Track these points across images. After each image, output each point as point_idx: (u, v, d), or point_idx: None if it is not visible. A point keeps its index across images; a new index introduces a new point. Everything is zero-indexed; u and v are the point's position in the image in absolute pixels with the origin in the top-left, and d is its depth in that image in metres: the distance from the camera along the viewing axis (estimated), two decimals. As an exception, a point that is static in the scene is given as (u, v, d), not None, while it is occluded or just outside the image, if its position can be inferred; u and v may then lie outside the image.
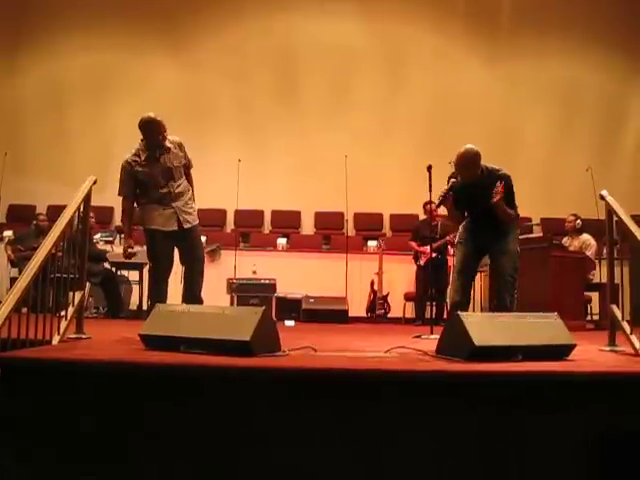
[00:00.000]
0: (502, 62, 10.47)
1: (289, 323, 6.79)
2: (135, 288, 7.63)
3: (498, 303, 4.43)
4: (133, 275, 7.61)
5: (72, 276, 3.47)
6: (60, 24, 10.23)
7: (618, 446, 2.44)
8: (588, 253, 7.17)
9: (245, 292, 7.86)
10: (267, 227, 10.25)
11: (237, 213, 9.85)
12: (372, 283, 8.35)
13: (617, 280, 3.67)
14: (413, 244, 7.76)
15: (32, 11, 10.20)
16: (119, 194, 4.42)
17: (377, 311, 8.23)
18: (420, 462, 2.40)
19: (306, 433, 2.39)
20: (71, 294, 3.44)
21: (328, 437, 2.39)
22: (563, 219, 7.76)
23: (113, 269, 7.39)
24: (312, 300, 7.80)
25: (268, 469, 2.37)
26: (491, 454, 2.42)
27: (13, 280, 6.62)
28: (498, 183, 4.21)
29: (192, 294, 4.38)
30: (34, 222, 7.70)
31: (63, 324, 3.26)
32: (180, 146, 4.45)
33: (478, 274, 6.58)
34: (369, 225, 10.12)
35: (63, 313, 3.33)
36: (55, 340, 3.11)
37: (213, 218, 9.64)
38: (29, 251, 6.61)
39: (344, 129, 10.07)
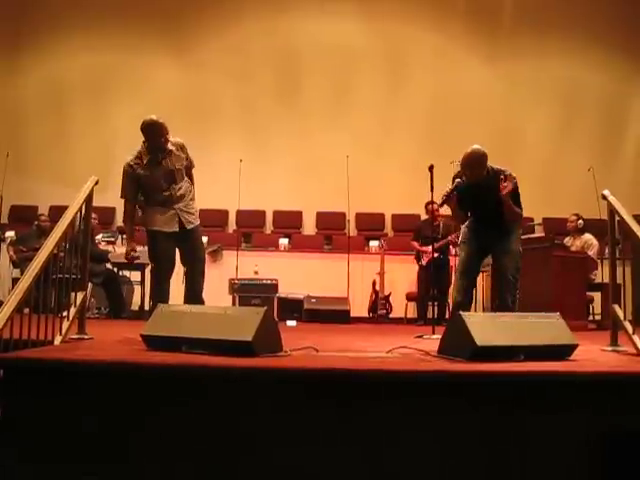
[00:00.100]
0: (503, 62, 10.47)
1: (291, 323, 6.79)
2: (137, 288, 7.63)
3: (500, 303, 4.44)
4: (135, 276, 7.62)
5: (74, 276, 3.48)
6: (61, 24, 10.25)
7: (620, 446, 2.44)
8: (590, 253, 7.16)
9: (247, 292, 7.86)
10: (269, 227, 10.26)
11: (239, 213, 9.85)
12: (374, 283, 8.35)
13: (619, 280, 3.66)
14: (415, 244, 7.76)
15: (33, 11, 10.22)
16: (121, 197, 4.42)
17: (379, 311, 8.23)
18: (422, 462, 2.40)
19: (308, 433, 2.39)
20: (73, 294, 3.44)
21: (330, 437, 2.39)
22: (565, 219, 7.75)
23: (115, 269, 7.39)
24: (314, 300, 7.80)
25: (270, 469, 2.37)
26: (493, 454, 2.42)
27: (15, 281, 6.62)
28: (503, 177, 4.21)
29: (194, 295, 4.38)
30: (36, 223, 7.71)
31: (65, 324, 3.26)
32: (182, 148, 4.44)
33: (480, 274, 6.59)
34: (371, 225, 10.12)
35: (65, 313, 3.33)
36: (57, 340, 3.11)
37: (215, 218, 9.65)
38: (31, 252, 6.62)
39: (345, 129, 10.08)
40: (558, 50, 10.28)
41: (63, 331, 3.21)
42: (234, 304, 7.73)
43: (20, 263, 7.29)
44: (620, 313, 3.45)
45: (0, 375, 2.46)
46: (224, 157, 9.31)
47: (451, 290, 5.61)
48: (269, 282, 7.98)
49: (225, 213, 10.09)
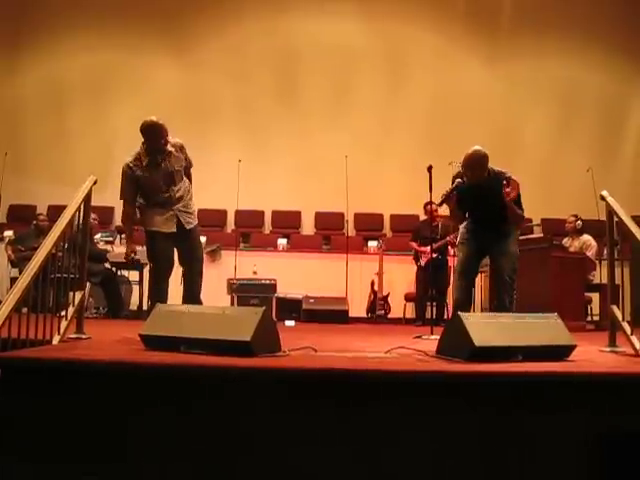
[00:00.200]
0: (502, 62, 10.48)
1: (289, 323, 6.79)
2: (135, 288, 7.63)
3: (497, 304, 4.45)
4: (133, 275, 7.62)
5: (72, 276, 3.47)
6: (61, 24, 10.24)
7: (618, 447, 2.44)
8: (588, 254, 7.16)
9: (245, 292, 7.86)
10: (267, 227, 10.25)
11: (237, 213, 9.85)
12: (372, 283, 8.35)
13: (617, 281, 3.67)
14: (413, 244, 7.76)
15: (32, 11, 10.21)
16: (120, 198, 4.42)
17: (377, 311, 8.23)
18: (420, 462, 2.40)
19: (306, 433, 2.39)
20: (71, 294, 3.44)
21: (328, 437, 2.39)
22: (563, 220, 7.76)
23: (113, 269, 7.39)
24: (312, 300, 7.80)
25: (268, 469, 2.37)
26: (491, 455, 2.42)
27: (13, 280, 6.61)
28: (506, 182, 4.22)
29: (192, 295, 4.38)
30: (34, 222, 7.71)
31: (63, 324, 3.26)
32: (181, 149, 4.44)
33: (479, 274, 6.59)
34: (369, 225, 10.12)
35: (63, 313, 3.33)
36: (55, 340, 3.11)
37: (213, 218, 9.64)
38: (29, 251, 6.61)
39: (344, 129, 10.08)
40: (557, 50, 10.29)
41: (61, 331, 3.21)
42: (232, 304, 7.73)
43: (18, 262, 7.29)
44: (618, 314, 3.45)
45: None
46: (223, 157, 9.31)
47: (450, 291, 5.61)
48: (267, 282, 7.98)
49: (224, 213, 10.08)
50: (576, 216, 7.47)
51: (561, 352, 2.92)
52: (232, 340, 2.69)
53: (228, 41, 10.42)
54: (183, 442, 2.38)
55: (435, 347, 3.03)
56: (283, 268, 8.34)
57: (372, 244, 9.06)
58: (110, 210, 9.39)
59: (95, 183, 3.57)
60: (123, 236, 8.86)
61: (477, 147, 4.32)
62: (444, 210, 4.75)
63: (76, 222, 3.44)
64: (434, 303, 6.96)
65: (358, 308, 8.21)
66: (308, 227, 10.30)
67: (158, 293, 4.27)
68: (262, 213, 10.25)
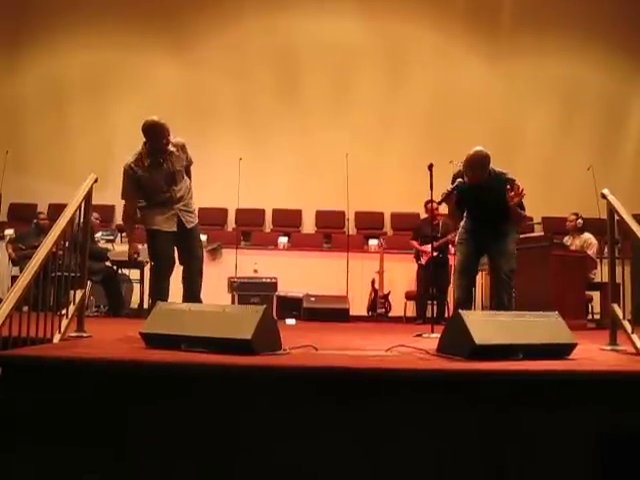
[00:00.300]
0: (502, 60, 10.47)
1: (290, 322, 6.78)
2: (136, 287, 7.63)
3: (497, 302, 4.46)
4: (134, 274, 7.62)
5: (73, 274, 3.47)
6: (60, 22, 10.24)
7: (619, 445, 2.44)
8: (589, 252, 7.16)
9: (246, 291, 7.87)
10: (268, 226, 10.25)
11: (238, 212, 9.85)
12: (373, 282, 8.35)
13: (618, 279, 3.66)
14: (414, 243, 7.76)
15: (32, 9, 10.21)
16: (122, 198, 4.43)
17: (378, 310, 8.23)
18: (421, 460, 2.40)
19: (307, 431, 2.39)
20: (72, 292, 3.44)
21: (329, 435, 2.39)
22: (564, 218, 7.76)
23: (114, 267, 7.39)
24: (313, 299, 7.80)
25: (269, 467, 2.37)
26: (491, 452, 2.42)
27: (14, 279, 6.63)
28: (509, 187, 4.22)
29: (192, 294, 4.37)
30: (35, 221, 7.71)
31: (64, 322, 3.26)
32: (183, 148, 4.43)
33: (480, 273, 6.60)
34: (370, 224, 10.12)
35: (64, 311, 3.33)
36: (56, 338, 3.11)
37: (214, 217, 9.65)
38: (30, 250, 6.62)
39: (345, 127, 10.08)
40: (558, 48, 10.28)
41: (62, 329, 3.21)
42: (233, 302, 7.74)
43: (19, 261, 7.30)
44: (619, 312, 3.45)
45: (-1, 373, 2.46)
46: (223, 155, 9.31)
47: (450, 289, 5.62)
48: (268, 280, 7.98)
49: (224, 211, 10.08)
50: (577, 214, 7.47)
51: (562, 350, 2.92)
52: (233, 338, 2.69)
53: (228, 39, 10.42)
54: (184, 440, 2.38)
55: (436, 345, 3.03)
56: (284, 266, 8.35)
57: (373, 242, 9.06)
58: (111, 208, 9.40)
59: (96, 181, 3.57)
60: (124, 234, 8.88)
61: (479, 148, 4.31)
62: (445, 208, 4.77)
63: (77, 220, 3.44)
64: (435, 301, 6.96)
65: (359, 306, 8.21)
66: (309, 225, 10.30)
67: (159, 291, 4.27)
68: (263, 211, 10.24)
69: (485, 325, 2.86)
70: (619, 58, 10.35)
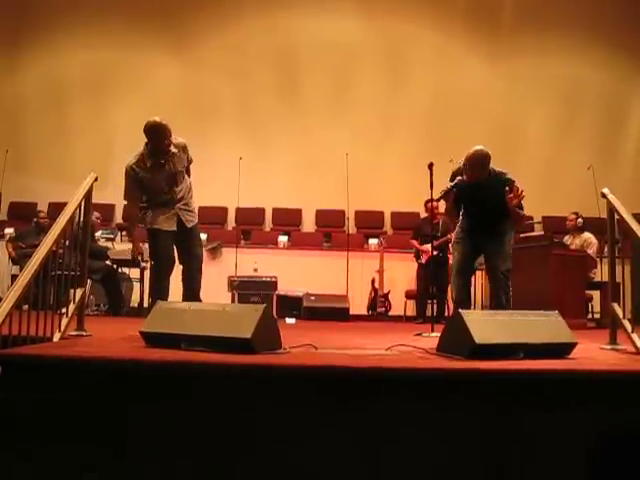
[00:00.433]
0: (503, 60, 10.47)
1: (290, 321, 6.78)
2: (136, 285, 7.63)
3: (495, 301, 4.48)
4: (134, 273, 7.62)
5: (73, 273, 3.47)
6: (61, 21, 10.24)
7: (618, 445, 2.44)
8: (589, 251, 7.16)
9: (246, 290, 7.86)
10: (268, 225, 10.25)
11: (238, 211, 9.85)
12: (373, 281, 8.35)
13: (618, 278, 3.66)
14: (414, 242, 7.76)
15: (32, 9, 10.21)
16: (125, 199, 4.44)
17: (378, 309, 8.23)
18: (421, 459, 2.40)
19: (307, 430, 2.39)
20: (72, 291, 3.44)
21: (329, 434, 2.39)
22: (564, 217, 7.76)
23: (114, 266, 7.39)
24: (313, 298, 7.80)
25: (269, 466, 2.37)
26: (491, 452, 2.42)
27: (14, 277, 6.62)
28: (509, 188, 4.23)
29: (191, 292, 4.38)
30: (35, 219, 7.72)
31: (64, 321, 3.26)
32: (184, 149, 4.44)
33: (480, 272, 6.61)
34: (370, 223, 10.12)
35: (64, 310, 3.33)
36: (56, 337, 3.11)
37: (214, 216, 9.65)
38: (30, 248, 6.62)
39: (345, 127, 10.08)
40: (558, 48, 10.27)
41: (62, 328, 3.21)
42: (233, 301, 7.73)
43: (19, 260, 7.30)
44: (619, 312, 3.45)
45: (-1, 372, 2.46)
46: (224, 155, 9.31)
47: (450, 288, 5.62)
48: (268, 279, 7.98)
49: (224, 210, 10.08)
50: (577, 214, 7.47)
51: (562, 350, 2.92)
52: (233, 337, 2.69)
53: (228, 39, 10.42)
54: (183, 439, 2.38)
55: (436, 345, 3.03)
56: (284, 265, 8.35)
57: (373, 241, 9.07)
58: (111, 207, 9.41)
59: (96, 180, 3.57)
60: (124, 233, 8.89)
61: (479, 147, 4.32)
62: (444, 207, 4.78)
63: (77, 219, 3.44)
64: (435, 301, 6.96)
65: (359, 306, 8.21)
66: (309, 224, 10.30)
67: (159, 290, 4.28)
68: (263, 210, 10.24)
69: (485, 324, 2.86)
70: (620, 58, 10.35)
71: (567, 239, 7.41)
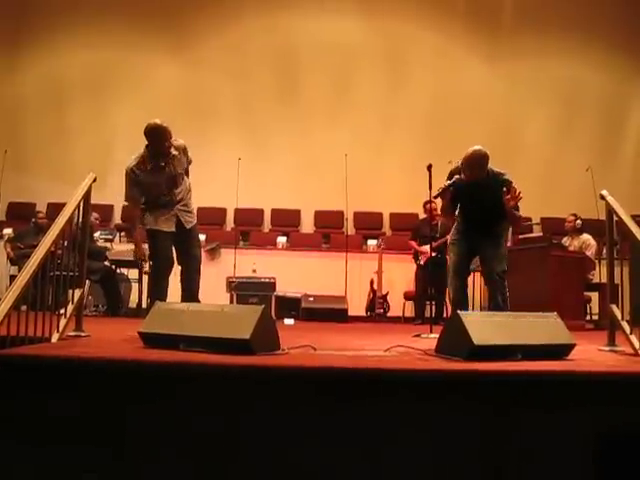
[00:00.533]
0: (503, 61, 10.47)
1: (288, 322, 6.78)
2: (135, 286, 7.63)
3: (492, 303, 4.48)
4: (133, 273, 7.62)
5: (72, 274, 3.47)
6: (60, 21, 10.24)
7: (617, 446, 2.44)
8: (588, 253, 7.17)
9: (245, 291, 7.86)
10: (267, 226, 10.25)
11: (237, 211, 9.85)
12: (372, 282, 8.35)
13: (617, 280, 3.66)
14: (413, 243, 7.75)
15: (32, 9, 10.21)
16: (125, 201, 4.45)
17: (376, 310, 8.23)
18: (420, 460, 2.40)
19: (306, 432, 2.39)
20: (70, 292, 3.43)
21: (328, 435, 2.38)
22: (563, 219, 7.76)
23: (113, 267, 7.39)
24: (311, 299, 7.79)
25: (268, 468, 2.37)
26: (490, 453, 2.42)
27: (12, 278, 6.61)
28: (506, 189, 4.23)
29: (190, 293, 4.39)
30: (33, 220, 7.71)
31: (62, 322, 3.25)
32: (184, 150, 4.45)
33: (477, 273, 6.60)
34: (369, 224, 10.12)
35: (62, 311, 3.33)
36: (54, 338, 3.11)
37: (213, 216, 9.65)
38: (28, 249, 6.61)
39: (344, 127, 10.09)
40: (558, 50, 10.28)
41: (60, 328, 3.21)
42: (232, 302, 7.73)
43: (18, 260, 7.30)
44: (618, 313, 3.45)
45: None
46: (223, 155, 9.31)
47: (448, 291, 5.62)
48: (267, 280, 7.98)
49: (223, 211, 10.08)
50: (576, 215, 7.48)
51: (560, 351, 2.92)
52: (231, 338, 2.69)
53: (228, 39, 10.42)
54: (182, 440, 2.38)
55: (434, 346, 3.03)
56: (282, 266, 8.34)
57: (371, 243, 9.07)
58: (110, 208, 9.41)
59: (95, 181, 3.56)
60: (122, 234, 8.89)
61: (478, 147, 4.32)
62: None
63: (75, 220, 3.43)
64: (433, 302, 6.96)
65: (357, 307, 8.21)
66: (307, 225, 10.30)
67: (158, 291, 4.28)
68: (262, 211, 10.24)
69: (483, 326, 2.86)
70: (619, 60, 10.36)
71: (566, 240, 7.42)
